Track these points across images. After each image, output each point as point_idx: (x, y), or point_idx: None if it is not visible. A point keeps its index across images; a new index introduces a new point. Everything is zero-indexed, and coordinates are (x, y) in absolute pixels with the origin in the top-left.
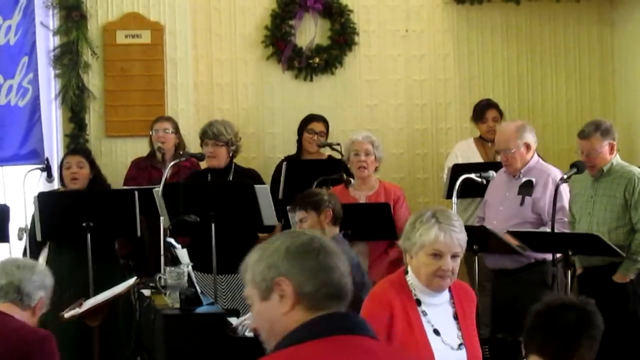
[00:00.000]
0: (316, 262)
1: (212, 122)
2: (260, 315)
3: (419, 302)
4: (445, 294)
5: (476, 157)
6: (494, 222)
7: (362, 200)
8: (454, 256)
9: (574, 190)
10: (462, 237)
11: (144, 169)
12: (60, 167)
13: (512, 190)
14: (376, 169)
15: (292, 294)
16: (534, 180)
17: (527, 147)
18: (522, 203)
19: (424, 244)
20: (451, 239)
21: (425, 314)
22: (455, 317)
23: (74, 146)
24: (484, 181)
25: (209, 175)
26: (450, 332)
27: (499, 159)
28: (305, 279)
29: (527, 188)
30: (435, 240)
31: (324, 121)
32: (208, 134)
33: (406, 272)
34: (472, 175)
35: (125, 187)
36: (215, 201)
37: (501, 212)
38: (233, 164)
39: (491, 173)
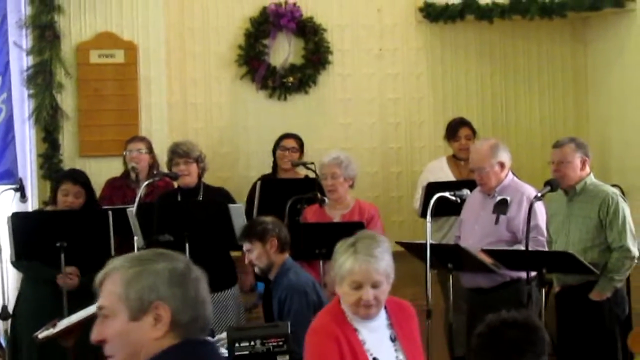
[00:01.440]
0: (195, 293)
1: (178, 142)
2: (122, 334)
3: (358, 330)
4: (382, 317)
5: (449, 176)
6: (469, 241)
7: (337, 219)
8: (375, 285)
9: (550, 210)
10: (382, 265)
11: (118, 188)
12: (56, 187)
13: (486, 208)
14: (352, 186)
15: (168, 320)
16: (508, 198)
17: (502, 165)
18: (496, 221)
19: (343, 275)
20: (367, 269)
21: (364, 342)
22: (394, 339)
23: (73, 172)
24: (459, 200)
25: (179, 195)
26: (389, 357)
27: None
28: (183, 308)
29: (501, 206)
30: (352, 271)
31: (297, 138)
32: (178, 153)
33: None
34: (446, 194)
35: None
36: (189, 221)
37: (476, 230)
38: (202, 183)
39: (465, 191)
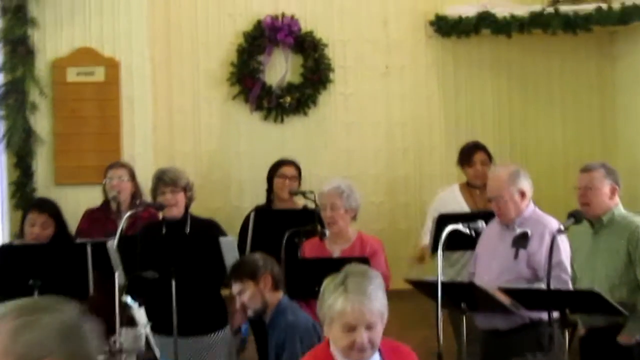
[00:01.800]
0: (88, 347)
1: (164, 169)
2: None
3: None
4: None
5: (462, 206)
6: (485, 278)
7: (337, 254)
8: (369, 327)
9: (574, 244)
10: (376, 306)
11: (97, 220)
12: (23, 218)
13: (505, 242)
14: (355, 218)
15: None
16: (529, 231)
17: (522, 194)
18: (516, 257)
19: (333, 317)
20: (360, 310)
21: None
22: None
23: (41, 199)
24: (473, 233)
25: (164, 227)
26: None
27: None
28: None
29: (521, 240)
30: (343, 312)
31: (296, 165)
32: (164, 180)
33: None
34: (460, 227)
35: (78, 241)
36: (176, 256)
37: (493, 266)
38: (189, 215)
39: (481, 224)
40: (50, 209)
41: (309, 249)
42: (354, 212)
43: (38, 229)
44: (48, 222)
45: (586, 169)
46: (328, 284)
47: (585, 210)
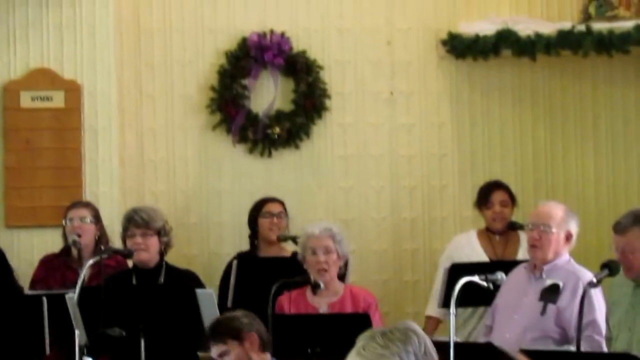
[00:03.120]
0: None
1: (136, 208)
2: None
3: None
4: None
5: (479, 255)
6: (506, 335)
7: (324, 310)
8: None
9: (611, 298)
10: None
11: (55, 269)
12: None
13: (531, 293)
14: (343, 269)
15: None
16: (560, 284)
17: (568, 237)
18: (543, 312)
19: None
20: None
21: None
22: None
23: None
24: (491, 286)
25: (134, 276)
26: None
27: (518, 256)
28: None
29: (551, 293)
30: None
31: (282, 203)
32: (135, 221)
33: None
34: (476, 279)
35: (30, 292)
36: (146, 310)
37: (515, 321)
38: (164, 263)
39: (500, 275)
40: None
41: (287, 303)
42: (344, 261)
43: None
44: None
45: (619, 229)
46: None
47: (628, 273)
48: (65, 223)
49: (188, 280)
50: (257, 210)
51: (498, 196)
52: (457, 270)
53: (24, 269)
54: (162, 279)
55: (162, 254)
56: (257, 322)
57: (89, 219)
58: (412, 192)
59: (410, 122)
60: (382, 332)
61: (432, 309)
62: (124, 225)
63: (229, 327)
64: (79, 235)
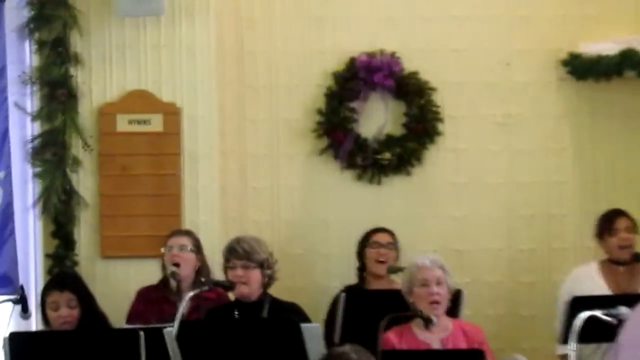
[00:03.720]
0: None
1: (240, 238)
2: None
3: None
4: None
5: (601, 288)
6: None
7: (436, 346)
8: None
9: None
10: None
11: (153, 301)
12: (43, 302)
13: None
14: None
15: None
16: None
17: None
18: None
19: None
20: None
21: None
22: None
23: (58, 274)
24: (615, 321)
25: (236, 310)
26: None
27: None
28: None
29: None
30: None
31: (391, 233)
32: (237, 252)
33: None
34: (598, 313)
35: (127, 326)
36: (248, 346)
37: None
38: (268, 296)
39: (625, 310)
40: (72, 284)
41: (396, 339)
42: (450, 296)
43: (66, 311)
44: (73, 299)
45: None
46: None
47: None
48: (164, 252)
49: (293, 314)
50: (365, 241)
51: (622, 222)
52: (578, 303)
53: (119, 302)
54: (265, 313)
55: (265, 286)
56: (366, 358)
57: (189, 247)
58: (530, 222)
59: (528, 148)
60: None
61: (561, 347)
62: (225, 256)
63: None
64: (177, 265)
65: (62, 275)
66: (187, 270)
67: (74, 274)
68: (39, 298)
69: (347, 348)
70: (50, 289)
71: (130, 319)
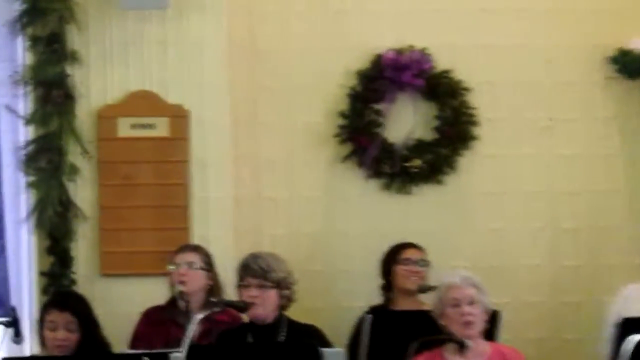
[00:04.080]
0: None
1: (255, 254)
2: None
3: None
4: None
5: None
6: None
7: None
8: None
9: None
10: None
11: (159, 323)
12: (41, 322)
13: None
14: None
15: None
16: None
17: None
18: None
19: None
20: None
21: None
22: None
23: (61, 293)
24: None
25: (249, 333)
26: None
27: None
28: None
29: None
30: None
31: (422, 249)
32: (252, 270)
33: None
34: None
35: (128, 352)
36: None
37: None
38: (284, 318)
39: None
40: (74, 305)
41: None
42: (487, 316)
43: (63, 333)
44: (72, 322)
45: None
46: None
47: None
48: (171, 269)
49: (312, 338)
50: (392, 257)
51: None
52: (629, 325)
53: (120, 324)
54: (281, 337)
55: (282, 308)
56: None
57: (197, 264)
58: (574, 236)
59: (572, 153)
60: None
61: None
62: (238, 274)
63: None
64: (184, 285)
65: (66, 294)
66: (195, 290)
67: (79, 296)
68: (33, 320)
69: None
70: (50, 308)
71: (133, 342)
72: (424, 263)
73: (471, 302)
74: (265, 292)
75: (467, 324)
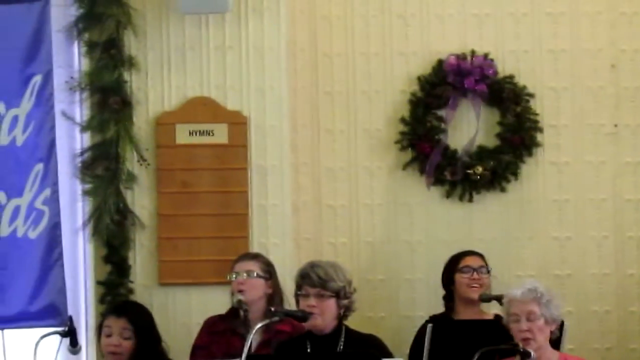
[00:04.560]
0: None
1: (314, 263)
2: None
3: None
4: None
5: None
6: None
7: None
8: None
9: None
10: None
11: (219, 333)
12: (99, 329)
13: None
14: (552, 333)
15: None
16: None
17: None
18: None
19: None
20: None
21: None
22: None
23: (117, 302)
24: None
25: (308, 343)
26: None
27: None
28: None
29: None
30: None
31: (482, 257)
32: (310, 279)
33: None
34: None
35: None
36: None
37: None
38: (344, 328)
39: None
40: (131, 313)
41: None
42: (556, 325)
43: (117, 339)
44: (128, 329)
45: None
46: None
47: None
48: (232, 278)
49: (371, 347)
50: (453, 266)
51: None
52: None
53: (179, 334)
54: (341, 347)
55: (340, 317)
56: None
57: (256, 273)
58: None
59: (638, 160)
60: None
61: None
62: (297, 283)
63: None
64: (240, 292)
65: (126, 302)
66: (254, 299)
67: (139, 305)
68: (90, 329)
69: None
70: (109, 314)
71: (194, 351)
72: (485, 270)
73: (530, 319)
74: (323, 301)
75: (524, 340)
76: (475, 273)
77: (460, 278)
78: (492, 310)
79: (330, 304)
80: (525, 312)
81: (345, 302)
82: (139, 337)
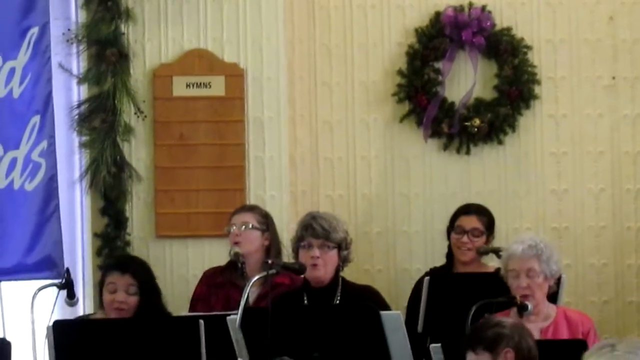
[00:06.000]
0: None
1: (316, 214)
2: None
3: None
4: None
5: None
6: None
7: (536, 336)
8: None
9: None
10: None
11: (219, 286)
12: (101, 284)
13: None
14: (550, 288)
15: None
16: None
17: None
18: None
19: None
20: None
21: None
22: None
23: (123, 256)
24: None
25: (305, 295)
26: None
27: None
28: None
29: None
30: None
31: (482, 214)
32: (314, 230)
33: None
34: None
35: (185, 314)
36: (320, 336)
37: None
38: (340, 280)
39: None
40: (135, 268)
41: None
42: (554, 280)
43: (122, 295)
44: (133, 284)
45: None
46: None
47: None
48: (229, 231)
49: (368, 299)
50: (452, 221)
51: None
52: None
53: (176, 286)
54: (338, 299)
55: (338, 269)
56: (520, 336)
57: (251, 224)
58: (637, 196)
59: (636, 113)
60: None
61: None
62: (299, 234)
63: (484, 335)
64: (238, 244)
65: (128, 257)
66: (250, 251)
67: (141, 261)
68: (87, 282)
69: (506, 321)
70: (112, 270)
71: (193, 303)
72: (478, 232)
73: (529, 275)
74: (327, 252)
75: (523, 297)
76: (465, 236)
77: (453, 237)
78: (492, 262)
79: (333, 255)
80: (525, 269)
81: (345, 253)
82: (143, 293)
